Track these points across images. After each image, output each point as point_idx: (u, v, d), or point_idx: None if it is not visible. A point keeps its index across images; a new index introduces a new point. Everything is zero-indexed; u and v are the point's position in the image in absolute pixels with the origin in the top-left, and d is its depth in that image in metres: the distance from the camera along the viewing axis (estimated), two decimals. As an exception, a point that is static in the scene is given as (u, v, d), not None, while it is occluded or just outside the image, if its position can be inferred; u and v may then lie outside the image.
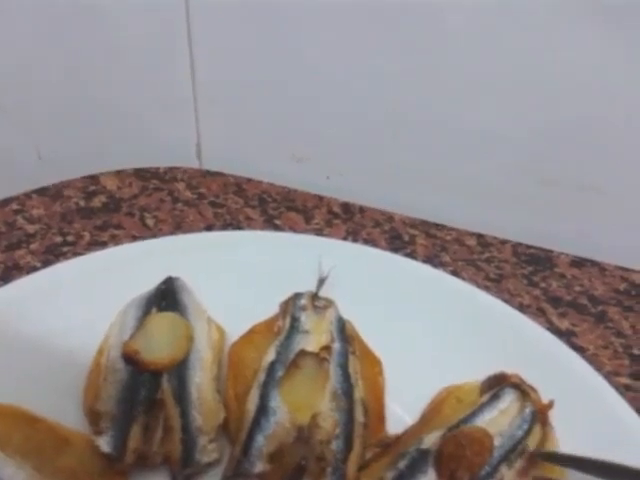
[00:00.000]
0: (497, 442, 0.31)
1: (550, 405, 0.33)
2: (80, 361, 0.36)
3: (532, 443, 0.32)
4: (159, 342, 0.35)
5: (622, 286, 0.49)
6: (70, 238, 0.51)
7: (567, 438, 0.33)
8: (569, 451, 0.33)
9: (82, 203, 0.55)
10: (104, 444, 0.31)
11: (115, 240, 0.51)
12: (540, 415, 0.33)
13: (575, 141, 0.49)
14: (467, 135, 0.51)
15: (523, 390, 0.34)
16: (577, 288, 0.49)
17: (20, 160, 0.62)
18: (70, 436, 0.32)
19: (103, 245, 0.50)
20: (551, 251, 0.52)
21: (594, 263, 0.52)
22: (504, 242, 0.53)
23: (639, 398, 0.40)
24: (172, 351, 0.35)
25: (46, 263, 0.47)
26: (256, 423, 0.32)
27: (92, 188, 0.57)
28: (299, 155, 0.58)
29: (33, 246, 0.50)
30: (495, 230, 0.54)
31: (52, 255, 0.49)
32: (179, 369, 0.35)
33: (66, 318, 0.38)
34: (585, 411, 0.35)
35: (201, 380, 0.35)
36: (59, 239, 0.50)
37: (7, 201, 0.54)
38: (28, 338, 0.37)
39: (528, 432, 0.32)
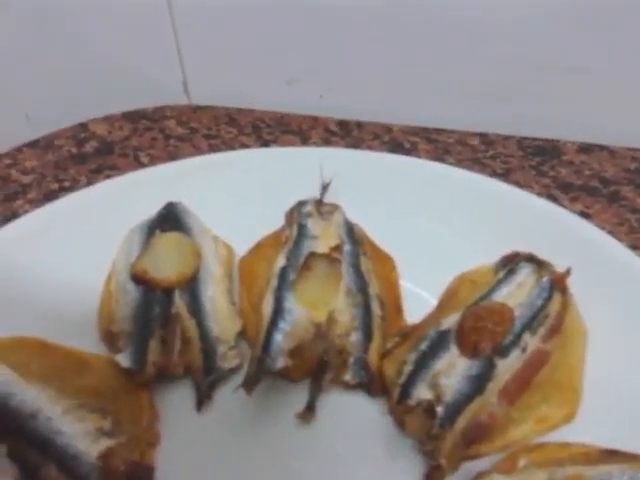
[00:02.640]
0: (517, 312, 0.31)
1: (567, 273, 0.32)
2: (91, 291, 0.36)
3: (553, 311, 0.31)
4: (166, 261, 0.35)
5: (633, 165, 0.48)
6: (67, 184, 0.50)
7: (587, 304, 0.33)
8: (589, 318, 0.33)
9: (74, 150, 0.54)
10: (124, 360, 0.31)
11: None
12: (558, 283, 0.32)
13: (571, 24, 0.47)
14: (464, 26, 0.49)
15: (539, 262, 0.33)
16: (587, 172, 0.48)
17: (9, 123, 0.61)
18: (89, 358, 0.32)
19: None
20: (557, 140, 0.51)
21: (602, 147, 0.50)
22: (508, 138, 0.52)
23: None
24: (180, 268, 0.35)
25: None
26: (273, 324, 0.32)
27: (82, 135, 0.56)
28: (289, 77, 0.56)
29: (30, 195, 0.49)
30: (498, 127, 0.52)
31: (50, 202, 0.48)
32: (190, 285, 0.35)
33: (70, 251, 0.38)
34: (602, 278, 0.34)
35: (213, 293, 0.35)
36: (55, 186, 0.50)
37: (-2, 158, 0.53)
38: (39, 274, 0.37)
39: (548, 300, 0.31)
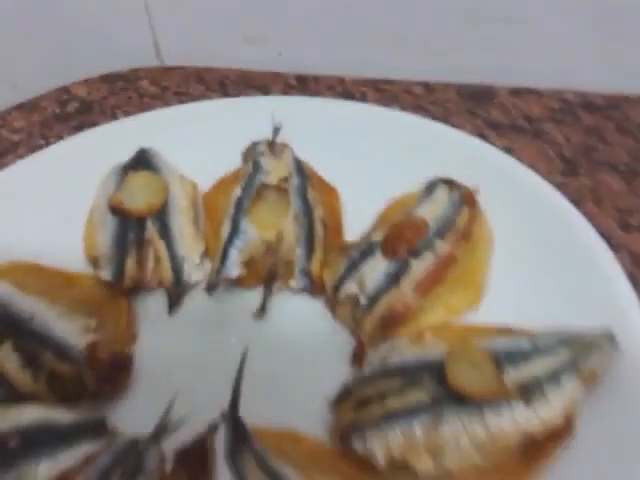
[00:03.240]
0: (432, 223, 0.37)
1: (475, 190, 0.38)
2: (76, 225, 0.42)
3: (461, 221, 0.37)
4: (139, 194, 0.41)
5: (557, 105, 0.54)
6: (52, 140, 0.55)
7: (496, 218, 0.39)
8: (499, 234, 0.39)
9: (58, 111, 0.59)
10: (105, 274, 0.37)
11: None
12: (467, 199, 0.38)
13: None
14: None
15: (453, 184, 0.39)
16: (515, 112, 0.53)
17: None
18: (76, 275, 0.38)
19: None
20: (491, 86, 0.56)
21: (532, 90, 0.56)
22: (448, 85, 0.57)
23: (569, 189, 0.45)
24: (151, 200, 0.41)
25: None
26: (230, 241, 0.38)
27: (64, 97, 0.61)
28: (250, 36, 0.61)
29: (20, 151, 0.54)
30: (440, 76, 0.58)
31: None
32: (160, 214, 0.40)
33: (58, 195, 0.43)
34: (511, 197, 0.40)
35: (180, 221, 0.41)
36: (42, 142, 0.55)
37: (-12, 121, 0.59)
38: (35, 211, 0.42)
39: (456, 212, 0.37)
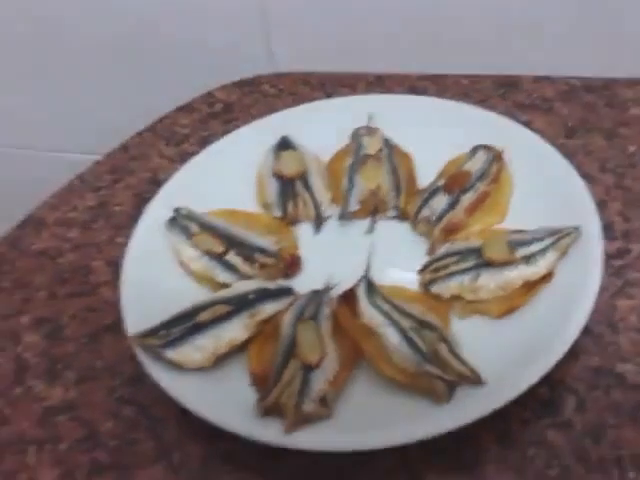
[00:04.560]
0: (475, 173, 0.60)
1: (502, 150, 0.61)
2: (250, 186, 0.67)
3: (492, 171, 0.60)
4: (289, 164, 0.66)
5: (564, 88, 0.75)
6: (212, 132, 0.81)
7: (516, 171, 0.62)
8: (517, 178, 0.62)
9: (208, 110, 0.85)
10: (276, 213, 0.63)
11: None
12: (497, 156, 0.61)
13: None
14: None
15: (488, 147, 0.62)
16: (534, 95, 0.75)
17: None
18: (258, 214, 0.64)
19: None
20: (518, 76, 0.78)
21: (547, 77, 0.77)
22: (486, 76, 0.79)
23: (568, 147, 0.67)
24: (297, 168, 0.65)
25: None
26: (349, 190, 0.63)
27: (211, 100, 0.87)
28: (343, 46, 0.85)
29: (191, 140, 0.80)
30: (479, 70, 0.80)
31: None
32: (303, 177, 0.65)
33: (238, 167, 0.69)
34: (526, 155, 0.62)
35: (315, 180, 0.65)
36: (205, 134, 0.81)
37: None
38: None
39: (490, 165, 0.60)
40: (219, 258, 0.58)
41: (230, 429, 0.45)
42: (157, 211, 0.63)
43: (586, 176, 0.59)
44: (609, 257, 0.55)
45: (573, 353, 0.46)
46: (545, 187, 0.59)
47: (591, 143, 0.68)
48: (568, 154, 0.61)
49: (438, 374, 0.44)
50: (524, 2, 0.74)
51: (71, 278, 0.68)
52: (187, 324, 0.51)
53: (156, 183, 0.71)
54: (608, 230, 0.57)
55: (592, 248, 0.51)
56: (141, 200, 0.71)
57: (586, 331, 0.47)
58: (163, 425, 0.52)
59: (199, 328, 0.51)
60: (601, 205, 0.58)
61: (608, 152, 0.66)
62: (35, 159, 1.10)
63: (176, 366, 0.49)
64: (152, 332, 0.51)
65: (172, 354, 0.49)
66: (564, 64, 0.77)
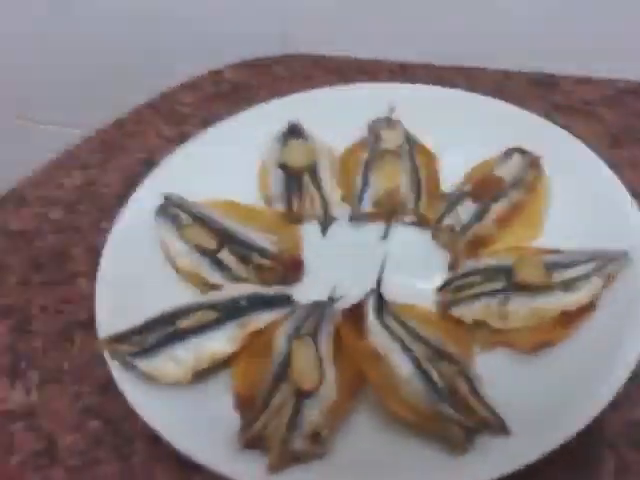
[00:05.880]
0: (508, 179, 0.53)
1: (540, 156, 0.54)
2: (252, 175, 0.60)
3: (528, 178, 0.53)
4: (297, 156, 0.58)
5: (609, 91, 0.68)
6: (214, 113, 0.74)
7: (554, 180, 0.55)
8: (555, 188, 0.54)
9: (214, 90, 0.78)
10: (279, 208, 0.56)
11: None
12: (533, 163, 0.54)
13: None
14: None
15: (524, 152, 0.55)
16: (574, 97, 0.68)
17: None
18: (259, 208, 0.57)
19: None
20: (555, 75, 0.71)
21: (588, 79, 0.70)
22: (522, 74, 0.72)
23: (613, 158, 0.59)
24: (305, 161, 0.58)
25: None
26: (363, 190, 0.56)
27: (217, 79, 0.79)
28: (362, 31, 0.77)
29: (193, 121, 0.73)
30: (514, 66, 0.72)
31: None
32: (312, 170, 0.58)
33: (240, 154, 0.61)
34: (566, 163, 0.55)
35: (325, 175, 0.58)
36: (206, 114, 0.74)
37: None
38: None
39: (525, 172, 0.53)
40: (210, 255, 0.51)
41: (203, 462, 0.38)
42: (146, 197, 0.56)
43: (635, 194, 0.52)
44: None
45: (615, 402, 0.39)
46: (587, 202, 0.51)
47: (639, 155, 0.60)
48: (612, 167, 0.54)
49: (455, 417, 0.37)
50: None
51: (47, 264, 0.61)
52: (165, 331, 0.44)
53: (150, 165, 0.64)
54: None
55: (642, 277, 0.44)
56: (132, 183, 0.64)
57: (633, 376, 0.40)
58: (131, 445, 0.46)
59: (179, 336, 0.44)
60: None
61: (657, 167, 0.59)
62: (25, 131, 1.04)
63: (149, 379, 0.42)
64: (124, 337, 0.44)
65: (145, 365, 0.42)
66: (609, 65, 0.69)
